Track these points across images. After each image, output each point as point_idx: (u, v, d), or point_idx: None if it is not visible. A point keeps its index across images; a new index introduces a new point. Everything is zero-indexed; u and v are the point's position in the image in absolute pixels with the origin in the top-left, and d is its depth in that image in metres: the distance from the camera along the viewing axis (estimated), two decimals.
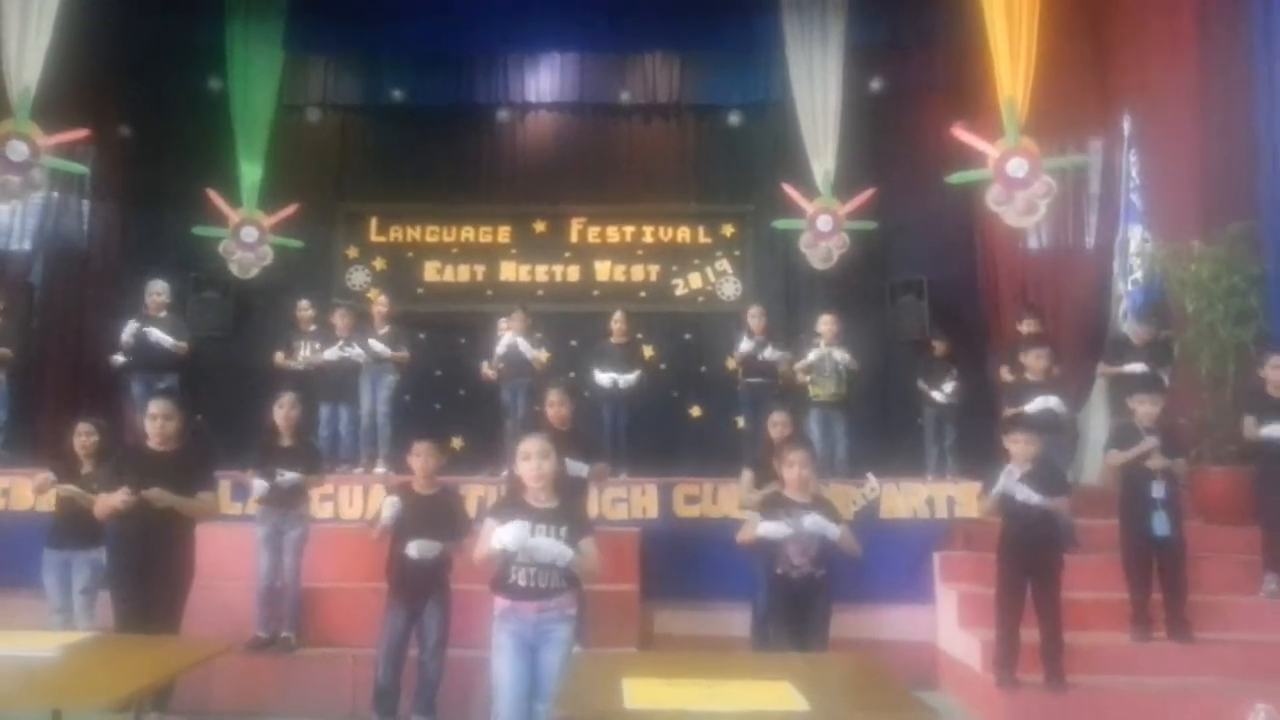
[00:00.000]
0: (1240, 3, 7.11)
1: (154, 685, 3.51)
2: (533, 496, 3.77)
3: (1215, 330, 6.99)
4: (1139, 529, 5.53)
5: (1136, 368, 6.80)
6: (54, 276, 9.93)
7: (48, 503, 5.96)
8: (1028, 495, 5.04)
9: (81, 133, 7.88)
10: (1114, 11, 8.55)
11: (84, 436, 5.65)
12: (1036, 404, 6.36)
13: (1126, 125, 8.21)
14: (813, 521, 4.54)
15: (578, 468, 5.38)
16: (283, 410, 5.72)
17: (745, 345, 8.28)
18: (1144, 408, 5.62)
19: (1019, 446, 5.19)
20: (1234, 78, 7.19)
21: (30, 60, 7.40)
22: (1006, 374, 7.55)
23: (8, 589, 6.20)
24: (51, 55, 7.48)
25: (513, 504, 3.81)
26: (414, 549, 4.63)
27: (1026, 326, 7.76)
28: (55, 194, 9.53)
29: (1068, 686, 5.13)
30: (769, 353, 8.23)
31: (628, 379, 8.23)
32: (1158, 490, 5.47)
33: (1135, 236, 8.01)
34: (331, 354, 8.14)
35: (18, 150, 7.28)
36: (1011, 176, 7.18)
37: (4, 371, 8.11)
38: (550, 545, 3.60)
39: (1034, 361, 6.60)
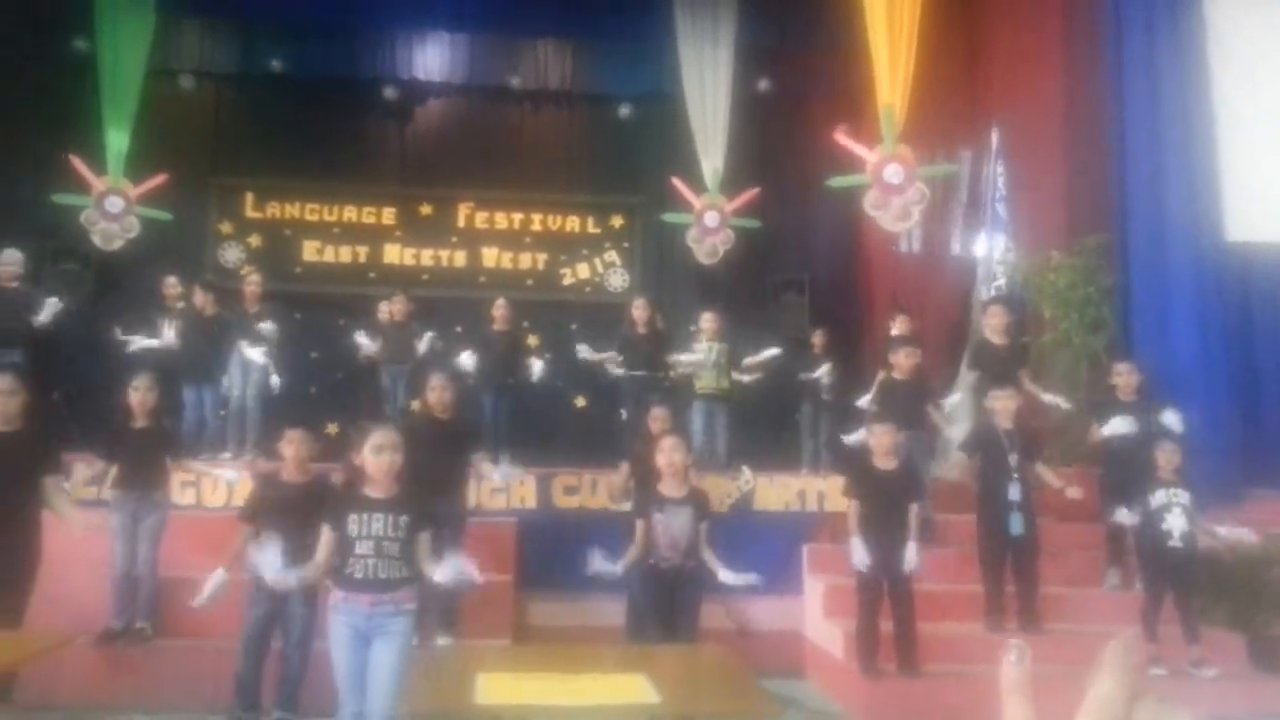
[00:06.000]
0: (1099, 27, 7.53)
1: None
2: (372, 487, 3.70)
3: (1070, 337, 7.39)
4: (996, 527, 5.80)
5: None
6: None
7: None
8: (859, 556, 5.28)
9: None
10: (986, 28, 8.96)
11: None
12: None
13: (995, 138, 8.59)
14: None
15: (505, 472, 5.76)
16: (138, 393, 5.47)
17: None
18: (1000, 403, 5.90)
19: (878, 438, 5.39)
20: (1094, 97, 7.61)
21: None
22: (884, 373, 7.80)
23: None
24: None
25: (349, 499, 3.74)
26: (269, 578, 3.85)
27: (897, 326, 8.04)
28: None
29: (923, 674, 5.36)
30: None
31: (535, 368, 8.23)
32: (1014, 492, 5.75)
33: (998, 245, 8.40)
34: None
35: None
36: (888, 182, 7.41)
37: None
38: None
39: (903, 360, 6.84)
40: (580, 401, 10.33)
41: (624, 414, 8.81)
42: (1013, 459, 5.79)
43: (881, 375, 7.20)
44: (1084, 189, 7.72)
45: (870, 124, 7.79)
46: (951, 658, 5.67)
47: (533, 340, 9.91)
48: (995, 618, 5.86)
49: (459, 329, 9.59)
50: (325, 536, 3.68)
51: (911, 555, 5.25)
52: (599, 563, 4.60)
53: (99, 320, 9.10)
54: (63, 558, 5.20)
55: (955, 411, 6.53)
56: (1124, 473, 6.08)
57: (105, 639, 5.39)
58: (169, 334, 7.95)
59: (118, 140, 9.01)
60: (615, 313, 9.87)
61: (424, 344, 8.28)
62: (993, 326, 6.90)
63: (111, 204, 8.91)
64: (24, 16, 9.46)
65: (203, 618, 5.53)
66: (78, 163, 8.89)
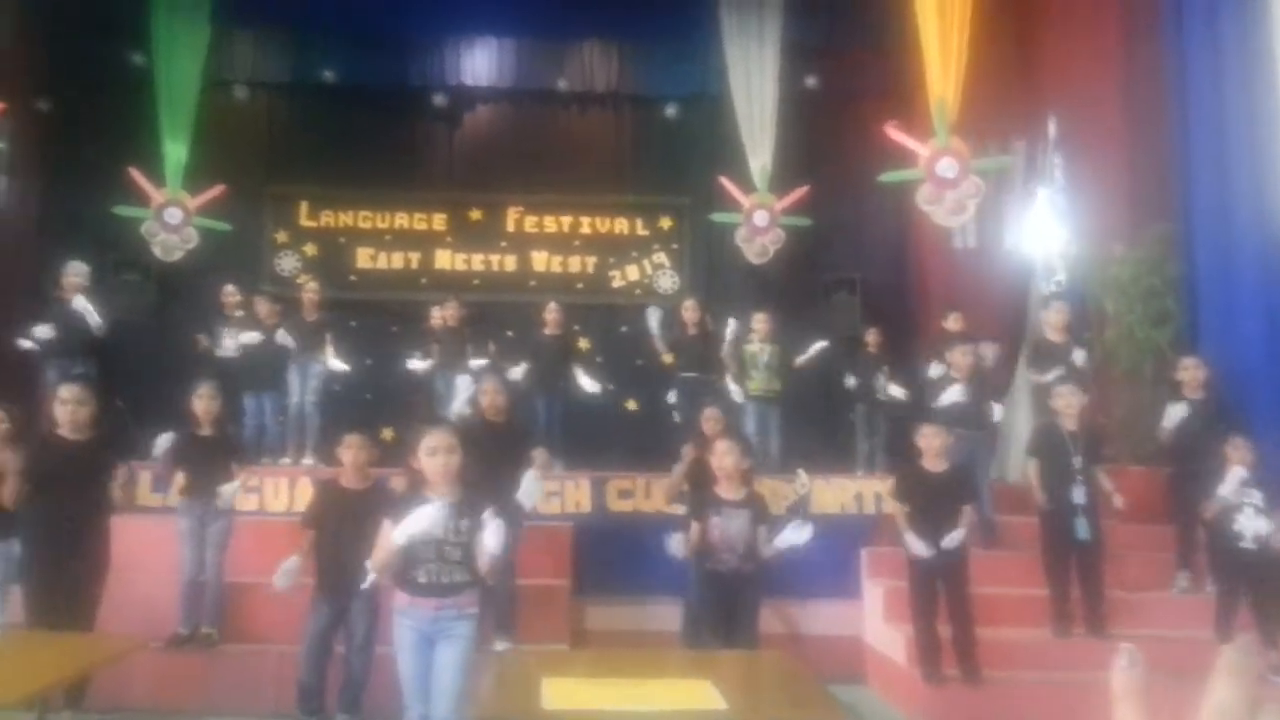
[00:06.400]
0: (1159, 11, 7.33)
1: (62, 683, 3.41)
2: (434, 490, 3.69)
3: (1133, 332, 7.20)
4: (1060, 532, 5.66)
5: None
6: None
7: None
8: (917, 547, 5.19)
9: None
10: (1042, 18, 8.75)
11: None
12: (950, 394, 6.50)
13: (1052, 128, 8.40)
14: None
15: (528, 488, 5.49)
16: (202, 401, 5.57)
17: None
18: (1063, 401, 5.75)
19: (926, 440, 5.29)
20: (1155, 86, 7.41)
21: None
22: (934, 370, 7.67)
23: None
24: None
25: (409, 502, 3.70)
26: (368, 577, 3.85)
27: (952, 324, 7.91)
28: None
29: (985, 680, 5.25)
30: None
31: (587, 384, 8.22)
32: (1078, 496, 5.61)
33: (1058, 239, 8.20)
34: (282, 338, 8.01)
35: None
36: (941, 176, 7.30)
37: None
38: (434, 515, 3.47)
39: (959, 358, 6.71)
40: (632, 404, 10.30)
41: (676, 417, 8.79)
42: (1076, 461, 5.65)
43: (937, 374, 7.09)
44: (1146, 179, 7.51)
45: (921, 118, 7.67)
46: (1015, 664, 5.57)
47: (584, 344, 9.91)
48: (1061, 623, 5.74)
49: (510, 333, 9.64)
50: (385, 529, 3.62)
51: (955, 535, 5.17)
52: (674, 545, 4.70)
53: (162, 330, 9.31)
54: (132, 564, 5.32)
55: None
56: (1193, 468, 5.90)
57: (173, 644, 5.49)
58: (229, 344, 8.09)
59: (175, 152, 9.22)
60: (666, 315, 9.83)
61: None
62: (1052, 324, 6.75)
63: (171, 215, 9.11)
64: (84, 32, 9.70)
65: (268, 622, 5.65)
66: (137, 175, 9.11)
